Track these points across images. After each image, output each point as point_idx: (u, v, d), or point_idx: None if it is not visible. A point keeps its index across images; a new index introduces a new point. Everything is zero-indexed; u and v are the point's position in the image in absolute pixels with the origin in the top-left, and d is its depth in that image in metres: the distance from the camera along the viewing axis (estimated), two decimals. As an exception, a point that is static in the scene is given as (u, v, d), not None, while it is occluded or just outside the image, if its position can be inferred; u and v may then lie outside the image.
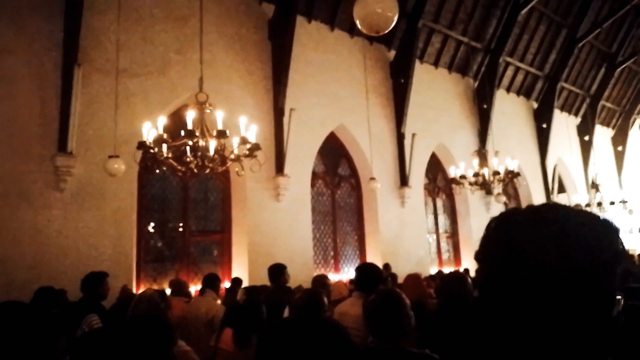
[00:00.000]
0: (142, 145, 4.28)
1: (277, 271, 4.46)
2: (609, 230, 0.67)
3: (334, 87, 9.57)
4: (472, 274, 9.83)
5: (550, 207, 0.68)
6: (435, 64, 11.71)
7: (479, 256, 0.71)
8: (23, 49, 6.29)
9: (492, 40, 12.03)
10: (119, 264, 6.47)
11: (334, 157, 10.04)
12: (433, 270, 10.45)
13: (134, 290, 6.53)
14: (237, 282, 6.81)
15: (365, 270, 3.23)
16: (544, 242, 0.63)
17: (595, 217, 0.69)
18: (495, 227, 0.70)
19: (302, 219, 8.70)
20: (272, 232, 8.19)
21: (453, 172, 7.99)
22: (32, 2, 6.42)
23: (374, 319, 1.95)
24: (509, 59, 12.73)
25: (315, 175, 9.40)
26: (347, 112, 9.66)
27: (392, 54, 10.73)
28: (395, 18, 3.11)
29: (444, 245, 11.91)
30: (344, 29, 9.77)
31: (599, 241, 0.65)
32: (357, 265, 9.51)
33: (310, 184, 9.08)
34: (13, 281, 5.65)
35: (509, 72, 13.28)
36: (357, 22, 3.13)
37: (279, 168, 8.30)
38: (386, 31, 3.20)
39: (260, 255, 7.85)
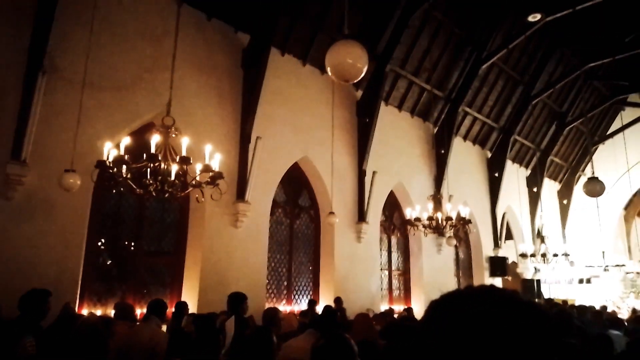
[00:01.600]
0: (101, 164, 4.24)
1: (237, 300, 4.43)
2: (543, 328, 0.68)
3: (302, 120, 9.77)
4: (417, 314, 10.05)
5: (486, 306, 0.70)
6: (399, 107, 12.18)
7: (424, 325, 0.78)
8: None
9: (453, 90, 12.68)
10: (63, 280, 6.20)
11: (296, 187, 10.14)
12: (383, 307, 10.60)
13: (77, 309, 6.27)
14: (181, 306, 6.61)
15: (329, 313, 3.27)
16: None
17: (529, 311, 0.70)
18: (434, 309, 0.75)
19: (258, 246, 8.67)
20: (227, 258, 8.11)
21: (409, 213, 8.24)
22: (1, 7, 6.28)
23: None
24: (467, 109, 13.40)
25: (275, 204, 9.44)
26: (312, 144, 9.85)
27: (359, 93, 11.11)
28: (365, 69, 3.30)
29: (395, 282, 12.12)
30: (316, 65, 10.07)
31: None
32: (309, 297, 9.56)
33: (270, 212, 9.10)
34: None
35: (467, 121, 13.95)
36: (328, 69, 3.30)
37: (240, 194, 8.30)
38: (355, 81, 3.38)
39: (212, 281, 7.74)
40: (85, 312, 6.56)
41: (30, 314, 4.12)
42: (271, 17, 8.41)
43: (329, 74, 3.36)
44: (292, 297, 9.63)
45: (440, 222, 7.77)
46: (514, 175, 15.93)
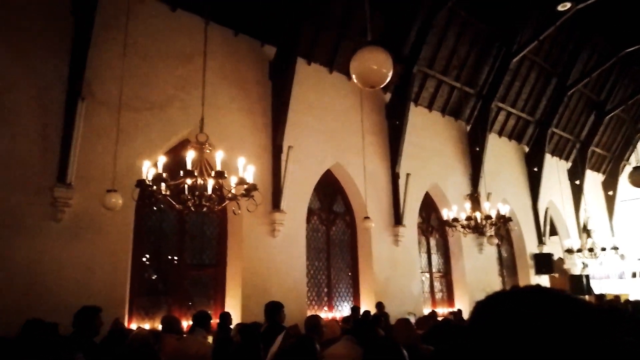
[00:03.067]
0: (141, 183, 4.40)
1: (274, 309, 4.49)
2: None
3: (331, 127, 9.82)
4: (465, 315, 9.85)
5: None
6: (430, 107, 12.05)
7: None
8: (28, 83, 6.42)
9: (484, 86, 12.43)
10: (112, 296, 6.45)
11: (330, 194, 10.18)
12: (426, 310, 10.45)
13: (126, 324, 6.50)
14: (225, 317, 6.75)
15: (365, 319, 3.28)
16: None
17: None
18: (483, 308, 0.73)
19: (296, 255, 8.75)
20: (267, 267, 8.22)
21: (446, 214, 8.12)
22: (39, 38, 6.61)
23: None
24: (501, 105, 13.11)
25: (310, 212, 9.51)
26: (343, 151, 9.88)
27: (387, 96, 11.07)
28: (390, 74, 3.30)
29: (437, 284, 11.92)
30: (342, 72, 10.11)
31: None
32: (351, 304, 9.54)
33: (305, 220, 9.17)
34: (3, 312, 5.63)
35: (501, 117, 13.64)
36: (354, 77, 3.32)
37: (276, 204, 8.42)
38: (381, 86, 3.39)
39: (254, 290, 7.86)
40: (134, 326, 6.78)
41: (83, 331, 4.31)
42: (295, 28, 8.53)
43: (355, 81, 3.38)
44: (333, 303, 9.63)
45: (479, 221, 7.61)
46: (554, 169, 15.41)
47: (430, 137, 11.88)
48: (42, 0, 6.71)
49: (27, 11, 6.57)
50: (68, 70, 6.70)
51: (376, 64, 3.24)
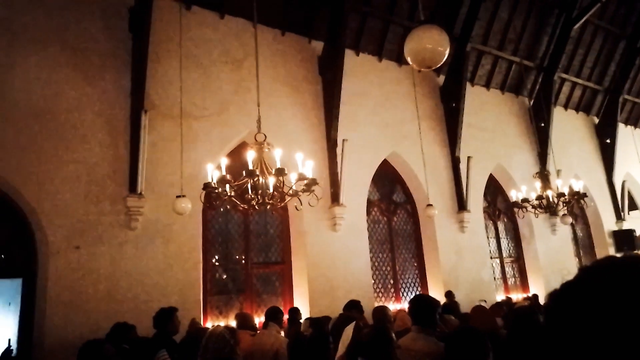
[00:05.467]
0: (207, 186, 4.54)
1: (352, 305, 4.66)
2: None
3: (385, 116, 9.67)
4: (542, 300, 9.39)
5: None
6: (487, 85, 11.55)
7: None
8: (94, 100, 6.83)
9: (545, 57, 11.75)
10: (187, 297, 6.75)
11: (389, 184, 10.04)
12: (499, 297, 10.07)
13: (202, 323, 6.77)
14: (295, 312, 6.88)
15: (419, 303, 3.17)
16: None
17: None
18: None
19: (359, 247, 8.71)
20: (331, 261, 8.25)
21: (514, 195, 7.75)
22: (101, 57, 7.01)
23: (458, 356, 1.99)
24: (564, 75, 12.33)
25: (370, 203, 9.43)
26: (399, 139, 9.71)
27: (441, 79, 10.73)
28: (447, 52, 3.17)
29: (509, 270, 11.44)
30: (392, 58, 9.93)
31: None
32: (419, 294, 9.37)
33: (366, 212, 9.11)
34: (89, 317, 6.05)
35: (565, 88, 12.83)
36: (409, 59, 3.22)
37: (335, 198, 8.42)
38: (438, 65, 3.27)
39: (320, 284, 7.93)
40: (209, 325, 7.05)
41: (164, 330, 4.54)
42: (341, 20, 8.46)
43: (410, 63, 3.28)
44: (400, 294, 9.51)
45: (551, 200, 7.19)
46: (629, 139, 14.29)
47: (490, 116, 11.40)
48: (102, 22, 7.10)
49: (89, 32, 6.98)
50: (130, 85, 7.05)
51: (431, 43, 3.12)
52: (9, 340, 5.94)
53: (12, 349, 5.84)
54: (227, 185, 4.56)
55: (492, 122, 11.36)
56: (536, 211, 7.46)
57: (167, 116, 7.25)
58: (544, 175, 7.51)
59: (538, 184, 7.44)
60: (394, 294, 9.47)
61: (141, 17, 6.89)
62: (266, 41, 8.33)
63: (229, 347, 3.04)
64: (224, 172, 4.52)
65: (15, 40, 6.42)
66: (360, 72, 9.53)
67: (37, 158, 6.26)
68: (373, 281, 8.98)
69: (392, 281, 9.51)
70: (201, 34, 7.93)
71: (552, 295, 0.69)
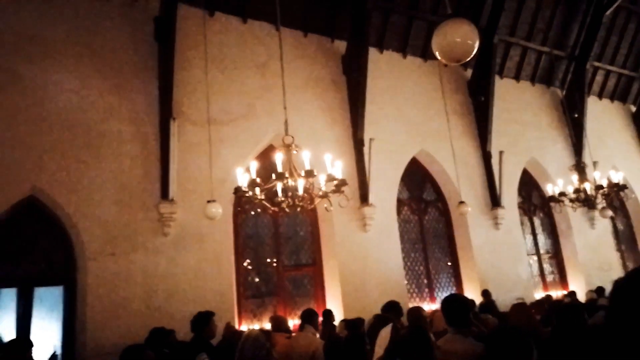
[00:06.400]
0: (238, 190, 4.56)
1: (391, 306, 4.64)
2: None
3: (411, 113, 9.54)
4: (581, 297, 9.06)
5: None
6: (517, 77, 11.27)
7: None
8: (124, 109, 6.97)
9: (576, 46, 11.37)
10: (221, 301, 6.80)
11: (418, 182, 9.89)
12: (538, 295, 9.78)
13: (237, 327, 6.82)
14: (328, 314, 6.86)
15: (451, 303, 3.04)
16: None
17: None
18: None
19: (391, 247, 8.61)
20: (362, 262, 8.18)
21: (550, 189, 7.51)
22: (129, 67, 7.14)
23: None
24: (597, 64, 11.90)
25: (400, 203, 9.31)
26: (427, 136, 9.56)
27: (468, 72, 10.52)
28: (476, 46, 3.08)
29: (547, 266, 11.09)
30: (416, 54, 9.79)
31: None
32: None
33: (396, 212, 8.99)
34: (127, 322, 6.17)
35: (599, 77, 12.39)
36: (437, 53, 3.14)
37: (364, 198, 8.35)
38: (467, 59, 3.18)
39: (352, 286, 7.87)
40: (244, 328, 7.09)
41: (201, 334, 4.58)
42: (363, 18, 8.39)
43: (438, 57, 3.20)
44: (435, 295, 9.34)
45: (589, 193, 6.93)
46: (671, 126, 13.67)
47: (521, 109, 11.10)
48: (129, 32, 7.25)
49: (117, 43, 7.13)
50: (158, 94, 7.17)
51: (460, 37, 3.04)
52: (54, 346, 6.12)
53: (57, 355, 6.01)
54: (257, 189, 4.57)
55: (523, 114, 11.06)
56: (574, 205, 7.21)
57: (195, 122, 7.34)
58: (580, 167, 7.26)
59: (575, 177, 7.20)
60: (429, 294, 9.31)
61: (166, 26, 7.01)
62: (289, 43, 8.34)
63: (265, 349, 3.03)
64: (253, 176, 4.53)
65: (47, 54, 6.62)
66: (385, 69, 9.43)
67: (71, 168, 6.43)
68: (406, 282, 8.85)
69: (425, 281, 9.35)
70: (225, 39, 8.00)
71: (617, 293, 0.64)
